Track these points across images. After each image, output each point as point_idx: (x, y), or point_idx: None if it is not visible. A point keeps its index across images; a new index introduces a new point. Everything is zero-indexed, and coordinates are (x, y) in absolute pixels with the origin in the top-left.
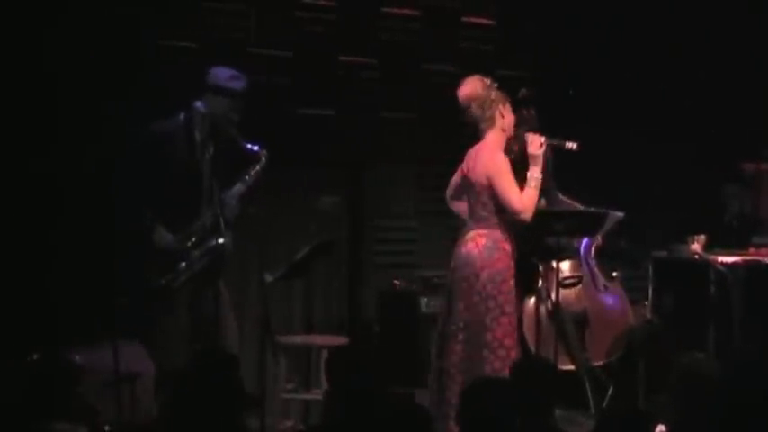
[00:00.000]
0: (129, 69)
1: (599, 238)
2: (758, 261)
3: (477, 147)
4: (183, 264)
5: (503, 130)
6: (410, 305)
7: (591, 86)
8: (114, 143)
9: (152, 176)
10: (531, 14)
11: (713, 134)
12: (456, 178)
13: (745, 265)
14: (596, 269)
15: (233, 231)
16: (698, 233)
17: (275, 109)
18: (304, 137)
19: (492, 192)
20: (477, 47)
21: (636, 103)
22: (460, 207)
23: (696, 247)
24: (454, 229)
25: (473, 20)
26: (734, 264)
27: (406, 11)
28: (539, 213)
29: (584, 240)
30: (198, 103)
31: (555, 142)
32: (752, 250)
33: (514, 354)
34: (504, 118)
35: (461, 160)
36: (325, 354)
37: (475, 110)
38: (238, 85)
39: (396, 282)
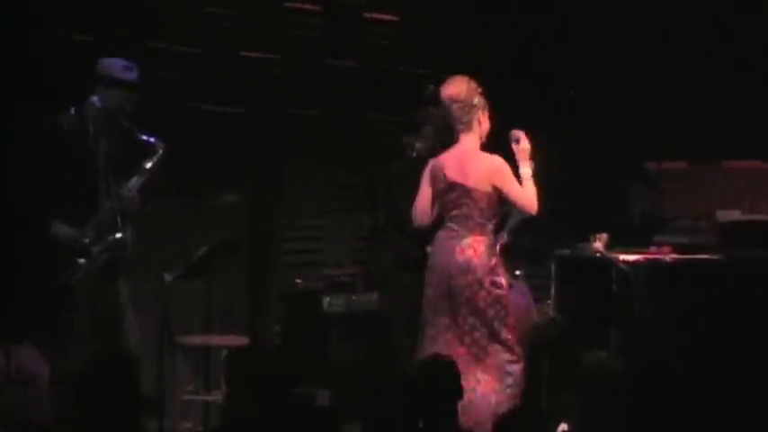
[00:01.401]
0: (25, 64)
1: (503, 236)
2: (659, 259)
3: (457, 153)
4: (82, 260)
5: (479, 137)
6: (312, 304)
7: (495, 83)
8: (8, 139)
9: (47, 171)
10: (435, 10)
11: (617, 132)
12: (427, 192)
13: (647, 263)
14: None
15: (133, 227)
16: (601, 232)
17: (179, 105)
18: (208, 134)
19: (493, 198)
20: (380, 42)
21: (538, 100)
22: (426, 219)
23: (599, 245)
24: (357, 227)
25: (376, 16)
26: (636, 262)
27: (308, 6)
28: None
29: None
30: (93, 97)
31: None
32: (653, 249)
33: (519, 349)
34: (482, 125)
35: (427, 172)
36: (224, 354)
37: (455, 111)
38: (131, 75)
39: (298, 281)
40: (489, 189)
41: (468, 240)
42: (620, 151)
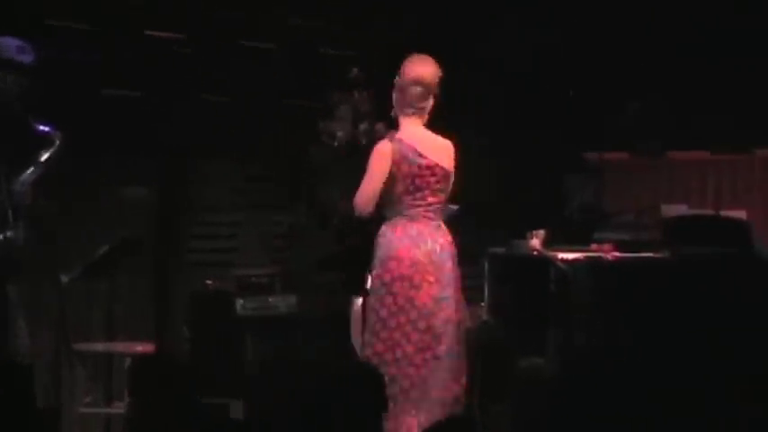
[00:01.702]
0: None
1: None
2: (600, 258)
3: (421, 134)
4: None
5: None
6: (224, 307)
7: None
8: None
9: None
10: None
11: (555, 121)
12: (381, 177)
13: (587, 261)
14: None
15: (26, 224)
16: (537, 228)
17: (76, 89)
18: (110, 121)
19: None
20: (302, 24)
21: (469, 87)
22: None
23: (535, 242)
24: (277, 223)
25: None
26: (575, 261)
27: None
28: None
29: None
30: None
31: None
32: (594, 246)
33: None
34: (429, 114)
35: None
36: (128, 362)
37: (415, 93)
38: (26, 58)
39: (209, 282)
40: (452, 174)
41: (442, 226)
42: (558, 141)
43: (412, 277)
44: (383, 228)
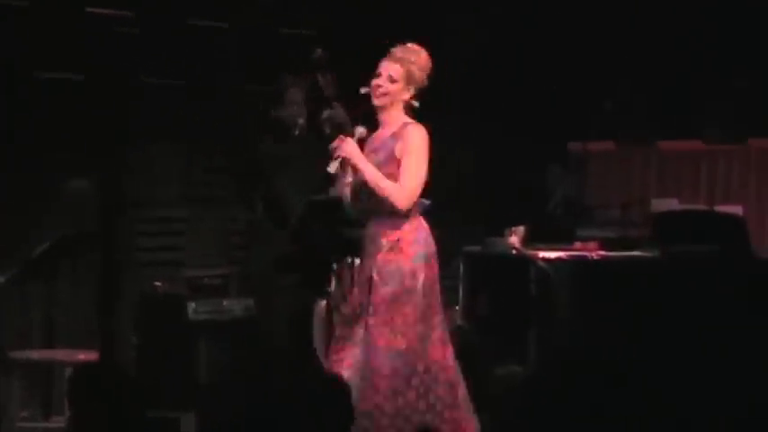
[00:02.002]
0: None
1: None
2: (584, 257)
3: None
4: None
5: None
6: (175, 311)
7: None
8: None
9: None
10: None
11: (534, 109)
12: None
13: (570, 261)
14: None
15: None
16: (516, 224)
17: (12, 74)
18: (46, 106)
19: None
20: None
21: (440, 72)
22: None
23: (514, 240)
24: (233, 219)
25: None
26: (557, 260)
27: None
28: (334, 201)
29: None
30: None
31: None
32: (578, 244)
33: None
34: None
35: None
36: (69, 372)
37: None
38: None
39: (157, 284)
40: None
41: None
42: (538, 130)
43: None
44: (416, 221)
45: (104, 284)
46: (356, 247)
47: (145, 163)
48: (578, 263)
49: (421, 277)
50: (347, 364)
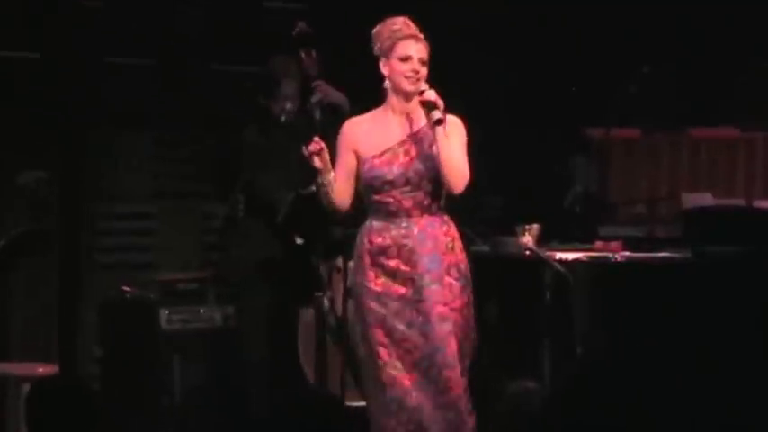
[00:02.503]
0: None
1: None
2: (606, 258)
3: None
4: None
5: None
6: (145, 320)
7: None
8: None
9: None
10: None
11: (551, 92)
12: None
13: (591, 262)
14: None
15: None
16: (530, 222)
17: None
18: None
19: None
20: None
21: (443, 55)
22: None
23: (528, 240)
24: (209, 216)
25: None
26: (576, 261)
27: None
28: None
29: None
30: None
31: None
32: (599, 244)
33: None
34: None
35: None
36: (26, 389)
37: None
38: None
39: (125, 288)
40: None
41: None
42: (554, 115)
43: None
44: (449, 219)
45: (65, 289)
46: (348, 248)
47: (109, 153)
48: (599, 265)
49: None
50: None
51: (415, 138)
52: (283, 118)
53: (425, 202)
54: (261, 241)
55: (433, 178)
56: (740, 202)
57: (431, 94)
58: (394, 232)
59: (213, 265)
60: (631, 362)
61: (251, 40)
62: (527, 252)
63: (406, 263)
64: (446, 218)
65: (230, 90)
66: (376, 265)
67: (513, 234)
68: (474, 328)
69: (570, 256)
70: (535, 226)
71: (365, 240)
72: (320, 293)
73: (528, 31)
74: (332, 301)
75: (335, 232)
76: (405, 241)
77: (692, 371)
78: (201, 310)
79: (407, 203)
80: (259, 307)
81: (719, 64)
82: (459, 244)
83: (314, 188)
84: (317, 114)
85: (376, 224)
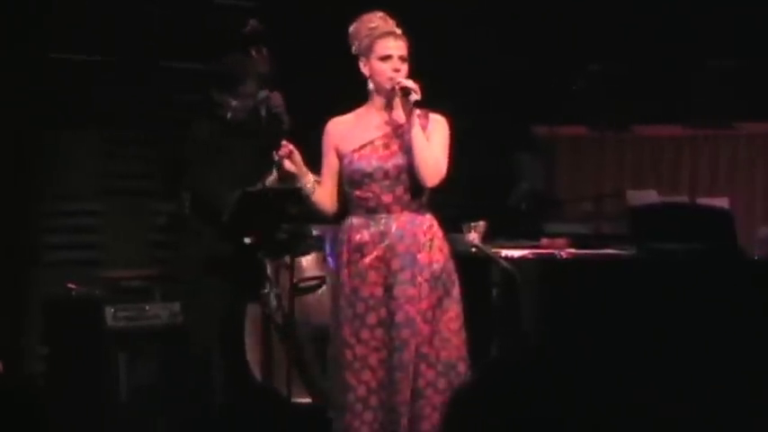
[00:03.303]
0: None
1: None
2: (553, 255)
3: None
4: None
5: None
6: (90, 318)
7: (327, 25)
8: None
9: None
10: None
11: (496, 89)
12: None
13: (537, 259)
14: None
15: None
16: (476, 219)
17: None
18: None
19: None
20: None
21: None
22: None
23: (473, 237)
24: (155, 213)
25: None
26: (522, 258)
27: None
28: (265, 192)
29: (332, 229)
30: None
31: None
32: (545, 241)
33: None
34: None
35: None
36: None
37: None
38: None
39: (71, 286)
40: None
41: None
42: (500, 113)
43: None
44: (431, 217)
45: (7, 287)
46: (295, 246)
47: (55, 150)
48: (546, 262)
49: (457, 282)
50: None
51: (396, 132)
52: (229, 115)
53: (405, 198)
54: (210, 239)
55: (413, 173)
56: (685, 199)
57: (408, 81)
58: (373, 228)
59: (160, 263)
60: (579, 357)
61: (200, 36)
62: (473, 249)
63: (381, 260)
64: (429, 216)
65: (179, 86)
66: (352, 262)
67: (459, 231)
68: (440, 333)
69: (516, 253)
70: (481, 223)
71: (345, 237)
72: (267, 290)
73: (473, 28)
74: (279, 298)
75: (283, 230)
76: (383, 237)
77: (637, 367)
78: (147, 308)
79: (387, 198)
80: (208, 305)
81: (665, 63)
82: (438, 243)
83: (260, 186)
84: (263, 111)
85: (356, 221)
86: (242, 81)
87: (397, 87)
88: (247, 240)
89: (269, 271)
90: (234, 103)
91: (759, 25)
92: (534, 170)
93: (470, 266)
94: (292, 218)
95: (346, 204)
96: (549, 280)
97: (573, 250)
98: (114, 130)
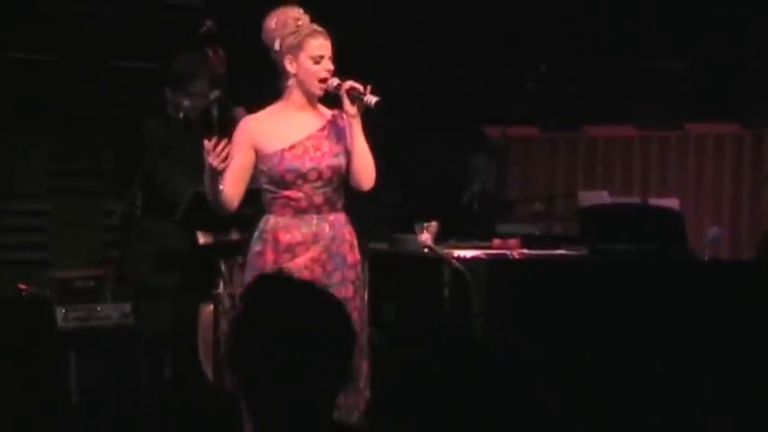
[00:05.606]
0: None
1: None
2: (504, 256)
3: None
4: None
5: None
6: (40, 318)
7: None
8: None
9: None
10: None
11: (449, 90)
12: None
13: (488, 260)
14: None
15: None
16: (428, 219)
17: None
18: None
19: None
20: None
21: (342, 46)
22: None
23: (426, 237)
24: (106, 213)
25: None
26: (474, 259)
27: None
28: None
29: None
30: None
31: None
32: (496, 242)
33: None
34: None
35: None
36: None
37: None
38: None
39: (21, 286)
40: None
41: None
42: (452, 114)
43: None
44: (348, 216)
45: None
46: (245, 246)
47: (4, 150)
48: (497, 262)
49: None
50: None
51: (323, 133)
52: (181, 114)
53: (333, 198)
54: (162, 239)
55: (342, 174)
56: (636, 200)
57: (353, 83)
58: (305, 230)
59: (111, 263)
60: (531, 358)
61: (150, 36)
62: (425, 250)
63: (317, 261)
64: (347, 216)
65: (129, 86)
66: (279, 263)
67: (411, 231)
68: (367, 329)
69: (468, 253)
70: (433, 223)
71: (270, 237)
72: (219, 291)
73: (426, 29)
74: (232, 298)
75: (235, 229)
76: (316, 238)
77: (589, 367)
78: (98, 308)
79: (318, 199)
80: (160, 306)
81: (616, 63)
82: (356, 243)
83: None
84: (215, 111)
85: (282, 221)
86: (192, 81)
87: (343, 90)
88: (201, 239)
89: (223, 270)
90: (186, 102)
91: (706, 27)
92: (486, 171)
93: (422, 267)
94: (245, 218)
95: (263, 204)
96: (501, 280)
97: (524, 251)
98: (65, 130)
